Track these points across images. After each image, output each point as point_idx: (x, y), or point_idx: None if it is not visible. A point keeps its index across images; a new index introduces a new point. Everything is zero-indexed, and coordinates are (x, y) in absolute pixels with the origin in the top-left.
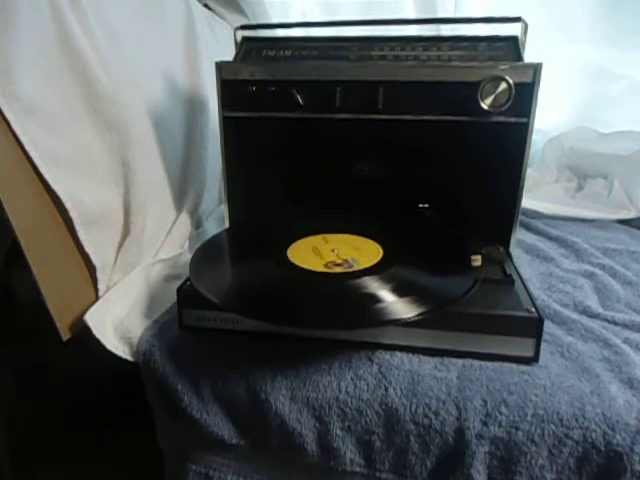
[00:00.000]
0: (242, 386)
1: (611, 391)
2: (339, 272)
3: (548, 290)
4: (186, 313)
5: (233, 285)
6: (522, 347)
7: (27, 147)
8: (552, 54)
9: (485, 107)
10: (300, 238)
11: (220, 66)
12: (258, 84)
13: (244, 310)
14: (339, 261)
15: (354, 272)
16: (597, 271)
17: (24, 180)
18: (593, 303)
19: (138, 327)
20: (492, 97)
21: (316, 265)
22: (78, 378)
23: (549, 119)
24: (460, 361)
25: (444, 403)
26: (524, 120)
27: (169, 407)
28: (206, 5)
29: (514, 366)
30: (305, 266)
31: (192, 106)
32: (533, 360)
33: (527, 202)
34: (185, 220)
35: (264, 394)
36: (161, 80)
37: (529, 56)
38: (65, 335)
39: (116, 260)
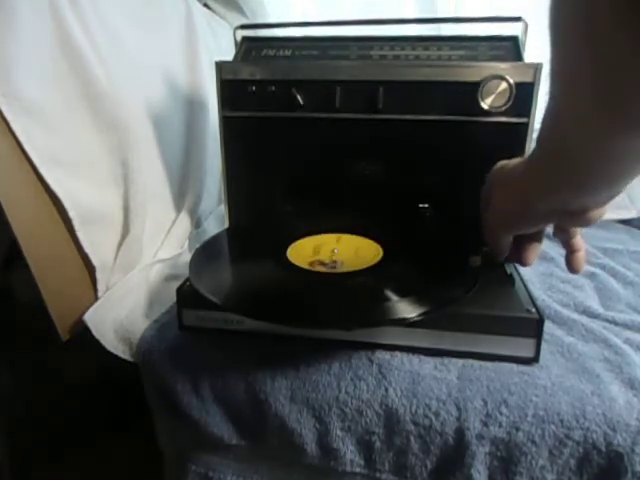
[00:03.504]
0: (242, 386)
1: (612, 391)
2: (339, 272)
3: (548, 290)
4: (186, 313)
5: (233, 285)
6: (522, 347)
7: (26, 147)
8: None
9: (485, 107)
10: (300, 238)
11: (220, 66)
12: (258, 84)
13: (244, 310)
14: (326, 261)
15: (354, 272)
16: (597, 271)
17: (23, 180)
18: (594, 303)
19: (138, 327)
20: (492, 97)
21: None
22: (78, 378)
23: None
24: (460, 361)
25: (444, 403)
26: (524, 120)
27: (169, 407)
28: (206, 5)
29: (514, 366)
30: (305, 266)
31: (192, 106)
32: (533, 360)
33: None
34: (185, 220)
35: (264, 394)
36: (161, 80)
37: (529, 56)
38: (65, 336)
39: (115, 260)
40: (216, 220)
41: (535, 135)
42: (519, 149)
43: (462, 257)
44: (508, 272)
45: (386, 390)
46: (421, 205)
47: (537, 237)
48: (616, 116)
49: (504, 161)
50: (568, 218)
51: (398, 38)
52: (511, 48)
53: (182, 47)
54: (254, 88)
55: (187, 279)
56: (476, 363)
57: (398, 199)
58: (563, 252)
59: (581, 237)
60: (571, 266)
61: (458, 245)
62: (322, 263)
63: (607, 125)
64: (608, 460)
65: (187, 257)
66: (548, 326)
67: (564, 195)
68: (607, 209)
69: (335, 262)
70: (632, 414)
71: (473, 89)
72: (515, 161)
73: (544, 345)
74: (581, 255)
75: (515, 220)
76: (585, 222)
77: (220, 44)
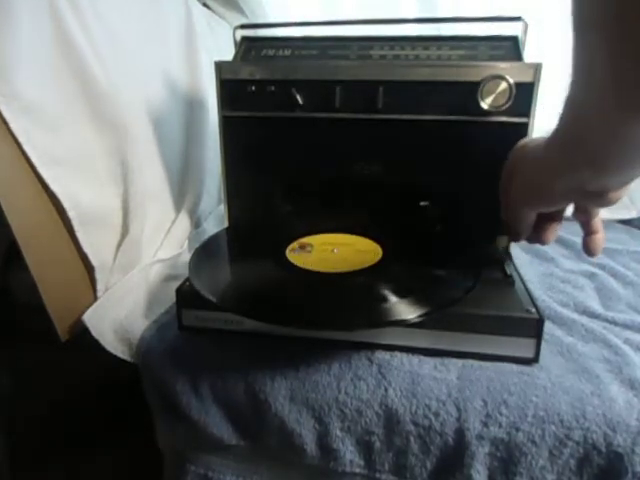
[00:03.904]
0: (241, 386)
1: (611, 392)
2: (339, 272)
3: (548, 290)
4: (185, 313)
5: (232, 285)
6: (522, 347)
7: (25, 147)
8: (553, 53)
9: (485, 107)
10: (299, 238)
11: (219, 66)
12: (257, 84)
13: (243, 310)
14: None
15: (354, 272)
16: (597, 271)
17: (22, 180)
18: (594, 303)
19: (137, 327)
20: (492, 97)
21: (315, 265)
22: (78, 378)
23: (550, 119)
24: (460, 361)
25: (444, 404)
26: (524, 120)
27: (168, 407)
28: (205, 4)
29: (514, 367)
30: (304, 266)
31: (191, 106)
32: (533, 361)
33: None
34: (184, 220)
35: (263, 394)
36: (160, 80)
37: (529, 56)
38: (64, 336)
39: (115, 260)
40: (216, 220)
41: (535, 135)
42: None
43: (462, 257)
44: (508, 272)
45: (386, 390)
46: (422, 203)
47: (557, 216)
48: (631, 103)
49: (526, 139)
50: (588, 198)
51: (398, 38)
52: (511, 48)
53: (182, 47)
54: (254, 88)
55: (187, 279)
56: (476, 363)
57: (398, 199)
58: (563, 252)
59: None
60: (588, 248)
61: (458, 245)
62: (301, 247)
63: (623, 111)
64: (608, 460)
65: (187, 257)
66: (548, 326)
67: (583, 175)
68: (627, 190)
69: (310, 248)
70: (632, 414)
71: (473, 89)
72: (537, 139)
73: (544, 345)
74: (599, 237)
75: (536, 198)
76: (605, 203)
77: (220, 44)
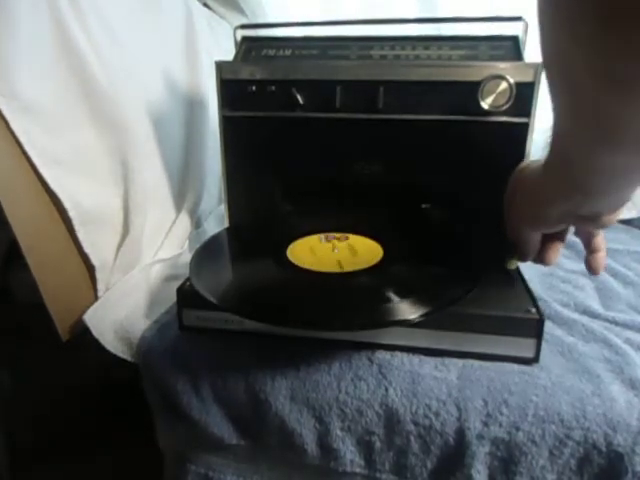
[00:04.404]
0: (242, 386)
1: (612, 392)
2: (339, 272)
3: (549, 290)
4: (186, 313)
5: (233, 285)
6: (523, 347)
7: (26, 147)
8: None
9: (486, 107)
10: (300, 238)
11: (220, 66)
12: (258, 84)
13: (244, 311)
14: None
15: (354, 272)
16: None
17: (23, 180)
18: (594, 303)
19: (138, 327)
20: (493, 96)
21: (316, 265)
22: (78, 378)
23: (550, 118)
24: (460, 361)
25: (444, 404)
26: (525, 120)
27: (169, 407)
28: (205, 4)
29: (515, 366)
30: (305, 266)
31: (192, 106)
32: (534, 360)
33: None
34: (185, 220)
35: (264, 394)
36: (161, 80)
37: (530, 56)
38: (65, 336)
39: (115, 260)
40: (216, 220)
41: (535, 135)
42: (519, 149)
43: (462, 257)
44: (509, 272)
45: (386, 390)
46: (424, 205)
47: (560, 236)
48: (604, 139)
49: (527, 161)
50: (582, 222)
51: (398, 38)
52: (511, 48)
53: (182, 47)
54: (254, 88)
55: (187, 279)
56: (476, 363)
57: (398, 199)
58: (563, 252)
59: (603, 238)
60: (590, 266)
61: (458, 245)
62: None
63: (598, 144)
64: (608, 460)
65: (187, 257)
66: (548, 326)
67: (575, 200)
68: (620, 213)
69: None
70: (633, 414)
71: (473, 89)
72: (537, 162)
73: (544, 345)
74: (601, 256)
75: (534, 221)
76: (599, 226)
77: (220, 44)
